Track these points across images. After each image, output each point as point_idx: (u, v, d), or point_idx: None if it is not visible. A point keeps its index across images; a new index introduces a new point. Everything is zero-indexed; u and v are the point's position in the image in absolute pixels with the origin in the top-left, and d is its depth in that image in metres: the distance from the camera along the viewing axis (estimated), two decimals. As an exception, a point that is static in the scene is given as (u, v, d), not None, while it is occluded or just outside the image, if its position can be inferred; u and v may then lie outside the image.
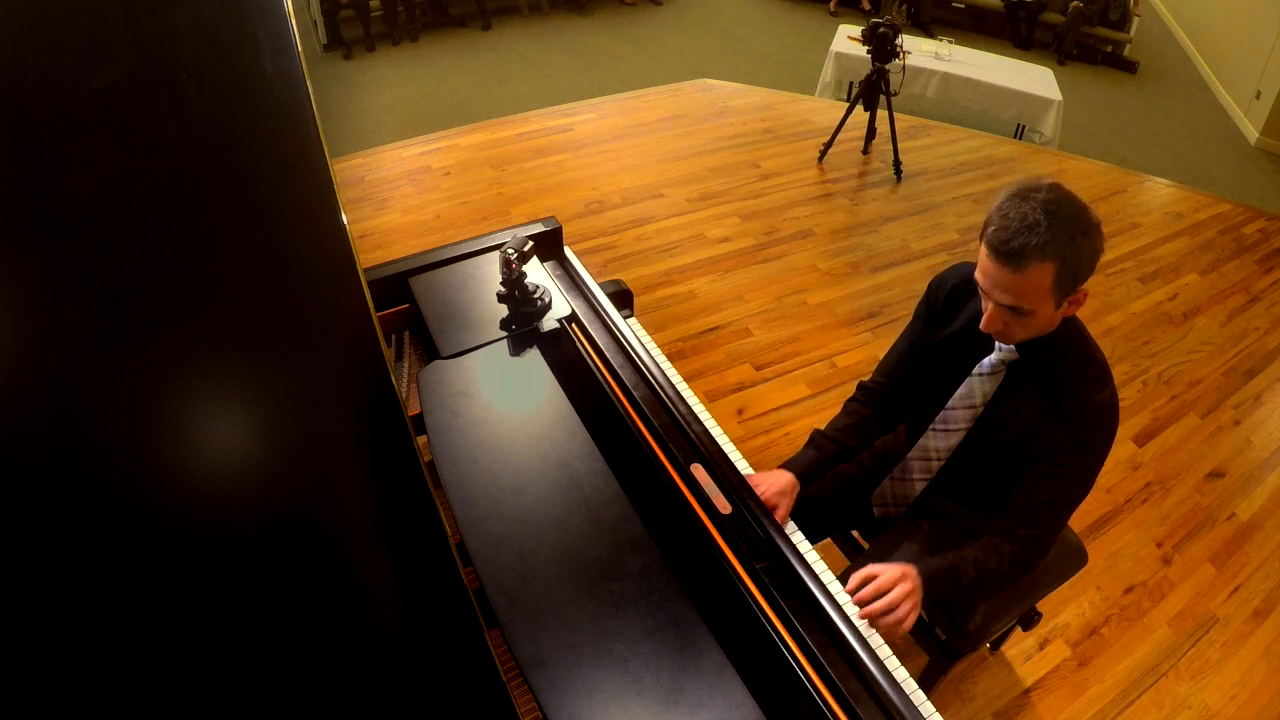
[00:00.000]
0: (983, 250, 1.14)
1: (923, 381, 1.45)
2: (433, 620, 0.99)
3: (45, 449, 0.84)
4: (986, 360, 1.30)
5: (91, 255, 0.90)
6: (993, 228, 1.11)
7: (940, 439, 1.39)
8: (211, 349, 0.97)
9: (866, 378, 1.54)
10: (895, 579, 1.17)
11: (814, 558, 1.27)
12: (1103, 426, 1.21)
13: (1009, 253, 1.09)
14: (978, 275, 1.18)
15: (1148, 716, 1.86)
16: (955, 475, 1.42)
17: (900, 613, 1.14)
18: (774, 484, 1.35)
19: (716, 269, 3.23)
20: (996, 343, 1.27)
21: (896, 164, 3.95)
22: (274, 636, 0.89)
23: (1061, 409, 1.22)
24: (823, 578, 1.18)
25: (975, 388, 1.32)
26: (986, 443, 1.34)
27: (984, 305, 1.20)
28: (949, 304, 1.37)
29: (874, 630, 1.15)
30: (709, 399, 2.58)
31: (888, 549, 1.46)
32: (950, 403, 1.36)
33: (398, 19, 5.49)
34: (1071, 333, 1.23)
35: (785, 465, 1.42)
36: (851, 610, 1.16)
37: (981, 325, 1.22)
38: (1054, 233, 1.07)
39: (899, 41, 3.69)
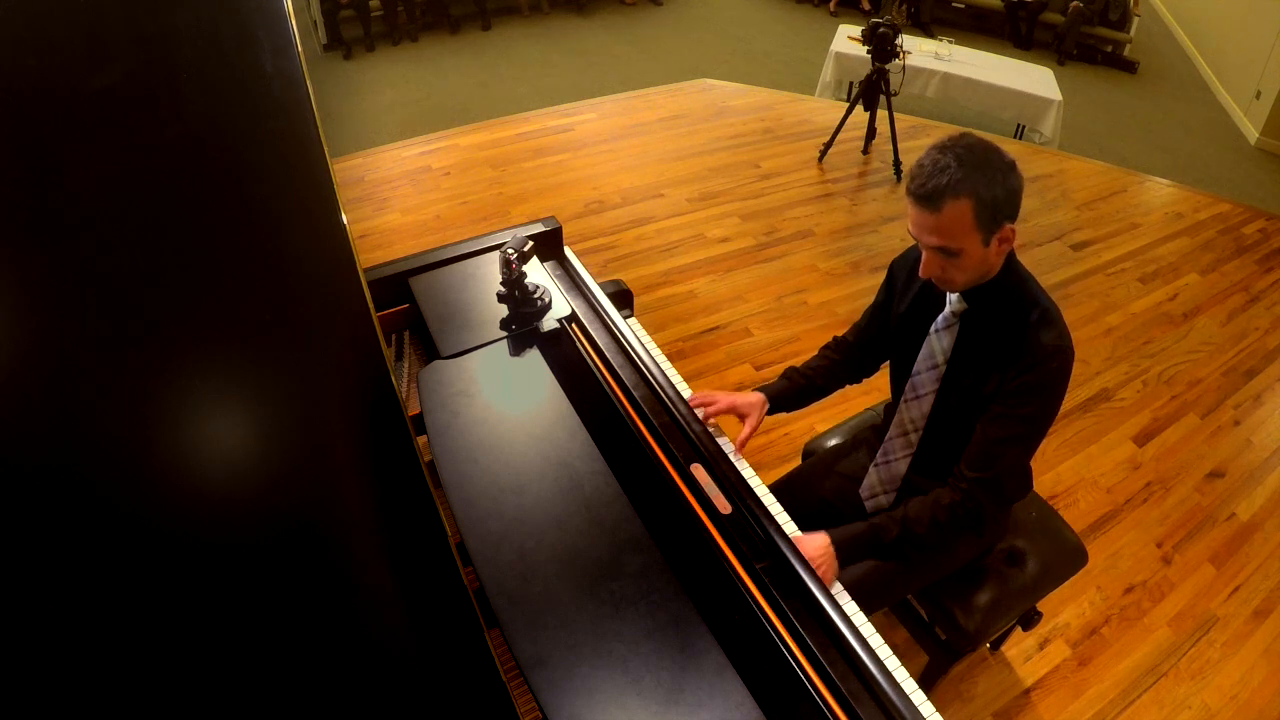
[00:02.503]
0: (907, 200, 1.21)
1: (893, 357, 1.50)
2: (433, 620, 0.99)
3: (45, 449, 0.84)
4: (940, 316, 1.34)
5: (91, 255, 0.90)
6: (910, 177, 1.19)
7: (914, 408, 1.42)
8: (211, 349, 0.97)
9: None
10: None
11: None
12: (1048, 367, 1.23)
13: (925, 195, 1.16)
14: (908, 226, 1.24)
15: (1148, 716, 1.86)
16: (935, 445, 1.43)
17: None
18: (745, 398, 1.50)
19: (716, 269, 3.23)
20: (947, 297, 1.32)
21: (896, 164, 3.95)
22: (274, 636, 0.89)
23: (1008, 351, 1.25)
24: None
25: (934, 346, 1.35)
26: (954, 400, 1.36)
27: (922, 254, 1.25)
28: (910, 276, 1.43)
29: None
30: (709, 399, 2.58)
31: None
32: (915, 367, 1.39)
33: (398, 19, 5.49)
34: (1015, 280, 1.27)
35: (759, 389, 1.55)
36: (850, 608, 1.16)
37: (920, 271, 1.26)
38: (965, 171, 1.13)
39: (899, 41, 3.69)
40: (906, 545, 1.31)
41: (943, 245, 1.19)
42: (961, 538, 1.43)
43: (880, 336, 1.54)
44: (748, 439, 1.46)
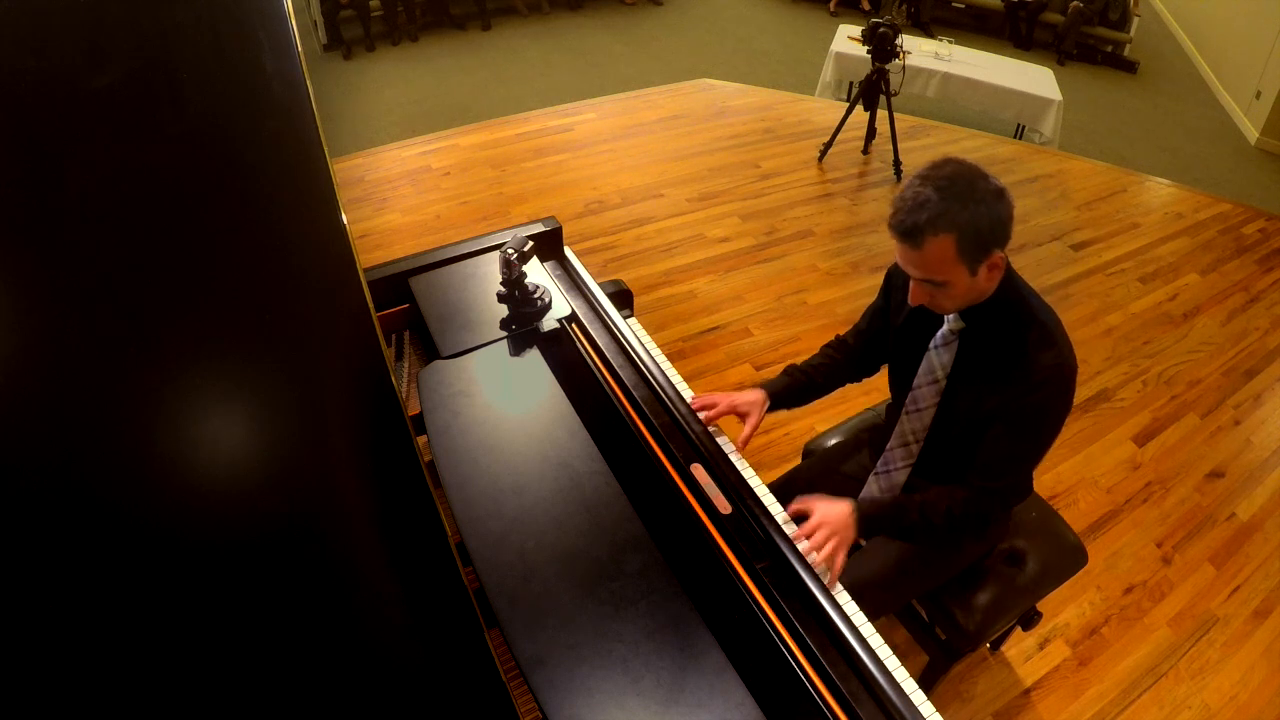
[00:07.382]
0: (890, 232, 1.19)
1: (892, 368, 1.50)
2: (433, 620, 0.99)
3: (45, 448, 0.84)
4: (939, 333, 1.33)
5: (91, 255, 0.90)
6: (892, 210, 1.17)
7: (914, 420, 1.42)
8: (211, 348, 0.97)
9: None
10: (814, 525, 1.23)
11: (814, 557, 1.27)
12: (1050, 386, 1.22)
13: (904, 231, 1.15)
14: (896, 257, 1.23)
15: (1148, 716, 1.86)
16: (935, 455, 1.44)
17: (824, 554, 1.20)
18: (745, 396, 1.48)
19: (716, 269, 3.23)
20: (945, 316, 1.31)
21: (896, 164, 3.95)
22: (274, 636, 0.89)
23: (1008, 371, 1.25)
24: (823, 578, 1.18)
25: (934, 361, 1.35)
26: (955, 415, 1.37)
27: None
28: (906, 287, 1.41)
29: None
30: (709, 399, 2.57)
31: (882, 541, 1.47)
32: (916, 381, 1.39)
33: (398, 19, 5.49)
34: (1013, 297, 1.26)
35: (759, 385, 1.53)
36: (851, 609, 1.16)
37: (909, 300, 1.26)
38: (945, 205, 1.11)
39: (899, 41, 3.69)
40: (920, 531, 1.31)
41: (927, 278, 1.18)
42: (966, 538, 1.45)
43: (880, 339, 1.53)
44: (750, 437, 1.45)
